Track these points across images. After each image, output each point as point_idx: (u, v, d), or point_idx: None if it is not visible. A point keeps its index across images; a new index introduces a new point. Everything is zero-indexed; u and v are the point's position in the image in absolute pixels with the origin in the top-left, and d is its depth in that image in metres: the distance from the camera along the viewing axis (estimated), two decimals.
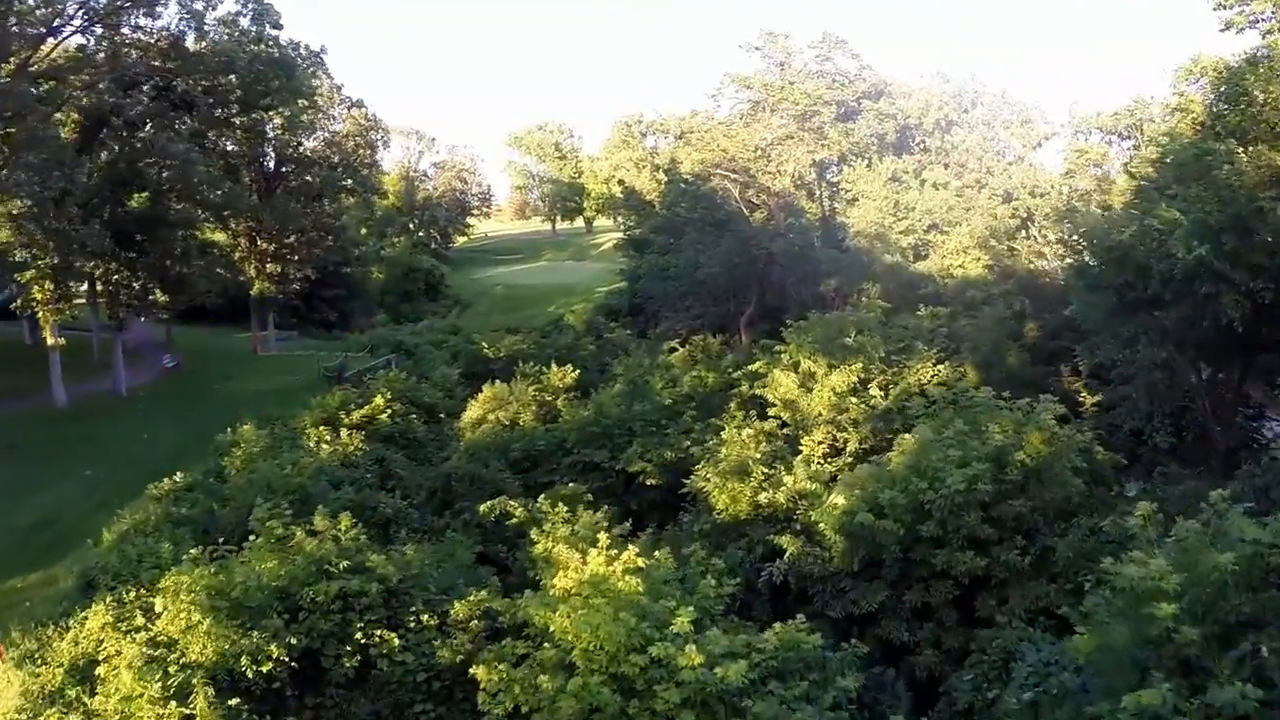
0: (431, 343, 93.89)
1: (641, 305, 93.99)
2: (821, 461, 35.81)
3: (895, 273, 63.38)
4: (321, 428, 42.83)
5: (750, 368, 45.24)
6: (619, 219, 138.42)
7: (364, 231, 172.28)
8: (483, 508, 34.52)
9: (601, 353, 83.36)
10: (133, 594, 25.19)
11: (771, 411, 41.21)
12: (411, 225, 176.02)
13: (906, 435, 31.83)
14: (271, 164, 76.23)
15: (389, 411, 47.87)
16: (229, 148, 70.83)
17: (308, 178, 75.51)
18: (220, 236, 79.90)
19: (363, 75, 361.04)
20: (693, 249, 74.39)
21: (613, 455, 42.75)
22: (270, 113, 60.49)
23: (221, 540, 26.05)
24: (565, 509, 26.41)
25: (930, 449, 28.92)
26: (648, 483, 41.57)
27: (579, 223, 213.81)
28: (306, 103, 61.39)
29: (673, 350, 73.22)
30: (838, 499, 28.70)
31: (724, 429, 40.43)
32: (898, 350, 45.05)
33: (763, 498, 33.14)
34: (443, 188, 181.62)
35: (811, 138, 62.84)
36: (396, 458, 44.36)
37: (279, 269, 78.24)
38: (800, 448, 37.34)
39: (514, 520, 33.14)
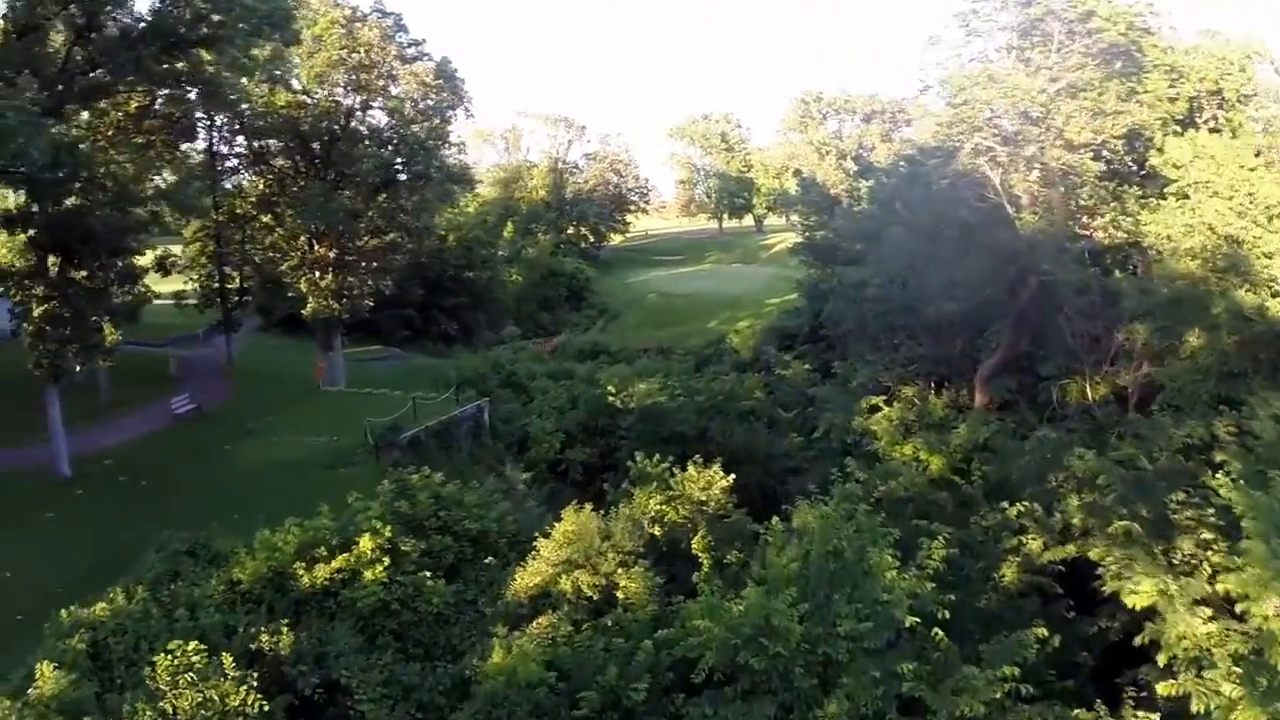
0: (551, 374, 73.36)
1: (825, 331, 70.91)
2: None
3: (1245, 320, 38.29)
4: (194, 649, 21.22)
5: (1137, 587, 20.97)
6: (795, 217, 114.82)
7: (508, 230, 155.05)
8: None
9: (772, 401, 61.39)
10: None
11: None
12: (560, 222, 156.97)
13: None
14: (319, 144, 56.39)
15: (384, 564, 26.56)
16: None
17: (361, 163, 55.16)
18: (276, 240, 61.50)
19: (511, 65, 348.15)
20: (905, 261, 50.96)
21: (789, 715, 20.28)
22: (207, 53, 39.20)
23: None
24: None
25: None
26: None
27: (748, 221, 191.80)
28: (274, 42, 40.31)
29: (874, 409, 50.66)
30: None
31: None
32: None
33: None
34: (594, 181, 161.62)
35: (1119, 89, 38.04)
36: (374, 679, 23.07)
37: (338, 281, 58.58)
38: None
39: None
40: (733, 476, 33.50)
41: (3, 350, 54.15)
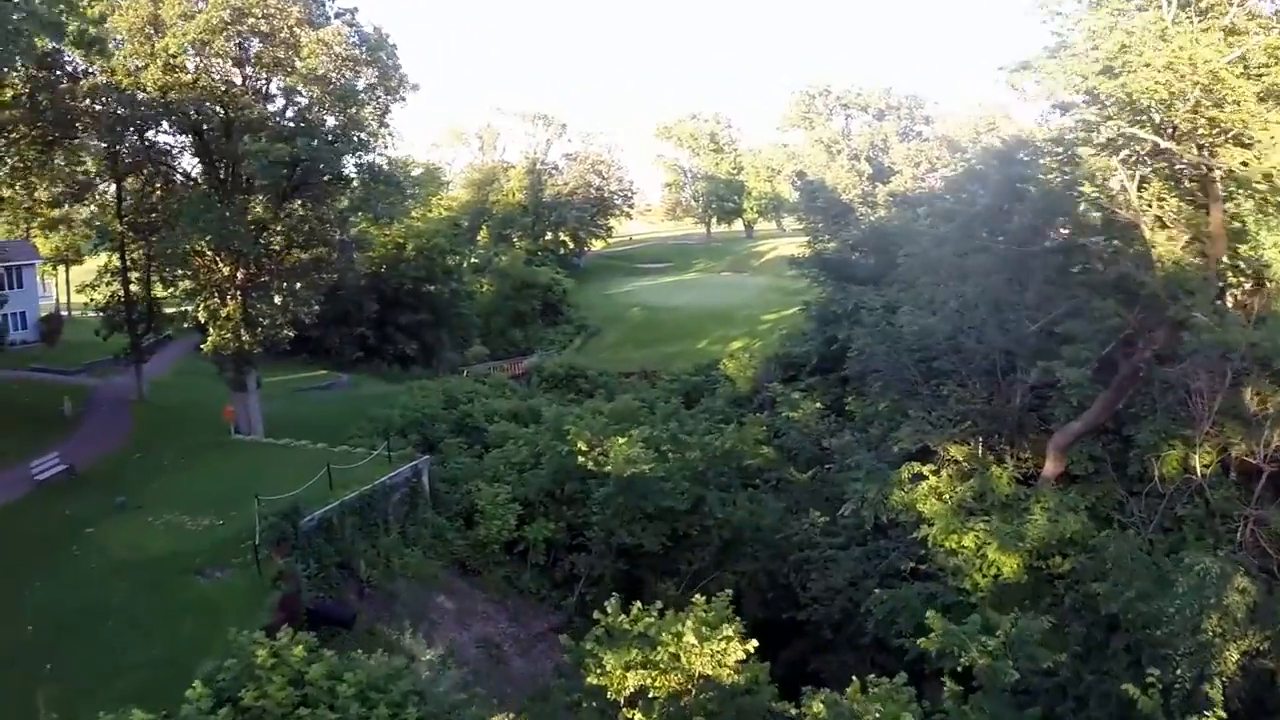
0: (514, 413, 61.59)
1: (837, 361, 58.99)
2: None
3: None
4: None
5: None
6: (790, 222, 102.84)
7: (483, 236, 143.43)
8: None
9: (779, 450, 50.45)
10: None
11: None
12: (537, 227, 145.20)
13: None
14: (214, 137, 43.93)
15: None
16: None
17: (255, 159, 42.41)
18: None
19: (491, 59, 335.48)
20: (977, 291, 39.56)
21: None
22: None
23: None
24: None
25: None
26: None
27: (737, 225, 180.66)
28: None
29: (917, 477, 39.28)
30: None
31: None
32: None
33: None
34: (575, 183, 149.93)
35: None
36: None
37: (245, 308, 46.56)
38: None
39: None
40: (754, 643, 22.05)
41: None
